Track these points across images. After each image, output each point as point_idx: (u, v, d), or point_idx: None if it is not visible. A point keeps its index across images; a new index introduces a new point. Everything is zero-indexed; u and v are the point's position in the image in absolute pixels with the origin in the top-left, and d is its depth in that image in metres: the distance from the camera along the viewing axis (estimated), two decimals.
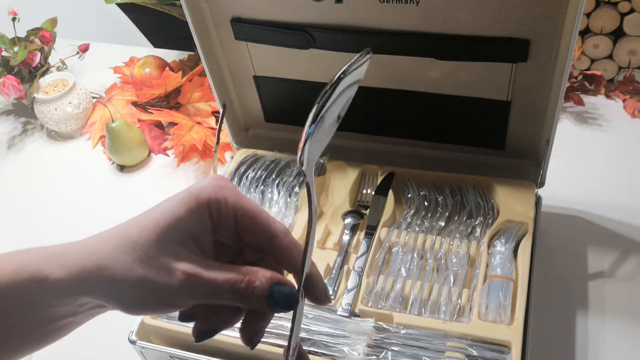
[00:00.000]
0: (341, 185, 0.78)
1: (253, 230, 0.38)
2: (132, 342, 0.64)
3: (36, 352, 0.38)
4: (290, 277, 0.39)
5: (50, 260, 0.36)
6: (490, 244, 0.69)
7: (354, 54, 0.34)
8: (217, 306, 0.38)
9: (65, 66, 1.17)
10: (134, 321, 0.65)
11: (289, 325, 0.62)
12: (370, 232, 0.71)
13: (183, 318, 0.38)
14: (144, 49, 1.31)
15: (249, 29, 0.74)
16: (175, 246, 0.35)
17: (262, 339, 0.61)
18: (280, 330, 0.62)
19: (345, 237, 0.72)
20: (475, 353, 0.58)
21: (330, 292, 0.66)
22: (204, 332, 0.38)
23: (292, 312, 0.37)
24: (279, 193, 0.77)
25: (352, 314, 0.63)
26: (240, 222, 0.37)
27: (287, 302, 0.36)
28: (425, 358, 0.58)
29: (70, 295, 0.36)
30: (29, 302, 0.36)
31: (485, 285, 0.64)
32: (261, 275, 0.36)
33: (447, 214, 0.73)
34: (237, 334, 0.62)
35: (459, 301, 0.63)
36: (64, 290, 0.35)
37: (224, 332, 0.62)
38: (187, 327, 0.64)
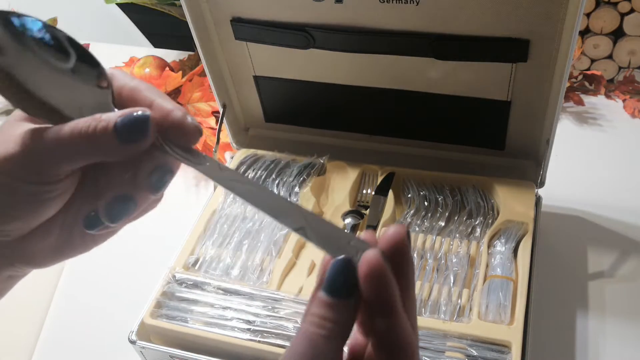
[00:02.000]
0: (341, 185, 0.78)
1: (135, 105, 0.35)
2: (132, 342, 0.64)
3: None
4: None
5: None
6: (490, 244, 0.69)
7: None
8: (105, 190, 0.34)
9: None
10: (134, 321, 0.65)
11: (290, 325, 0.62)
12: None
13: (88, 221, 0.35)
14: (144, 49, 1.31)
15: (249, 29, 0.74)
16: (29, 123, 0.33)
17: (261, 326, 0.62)
18: (280, 330, 0.62)
19: None
20: (475, 353, 0.58)
21: None
22: (109, 208, 0.34)
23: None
24: (279, 193, 0.77)
25: None
26: (125, 102, 0.36)
27: (135, 120, 0.33)
28: (425, 358, 0.58)
29: None
30: None
31: (485, 285, 0.64)
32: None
33: (447, 214, 0.73)
34: (237, 334, 0.63)
35: (459, 301, 0.63)
36: None
37: (224, 332, 0.63)
38: (188, 327, 0.65)
